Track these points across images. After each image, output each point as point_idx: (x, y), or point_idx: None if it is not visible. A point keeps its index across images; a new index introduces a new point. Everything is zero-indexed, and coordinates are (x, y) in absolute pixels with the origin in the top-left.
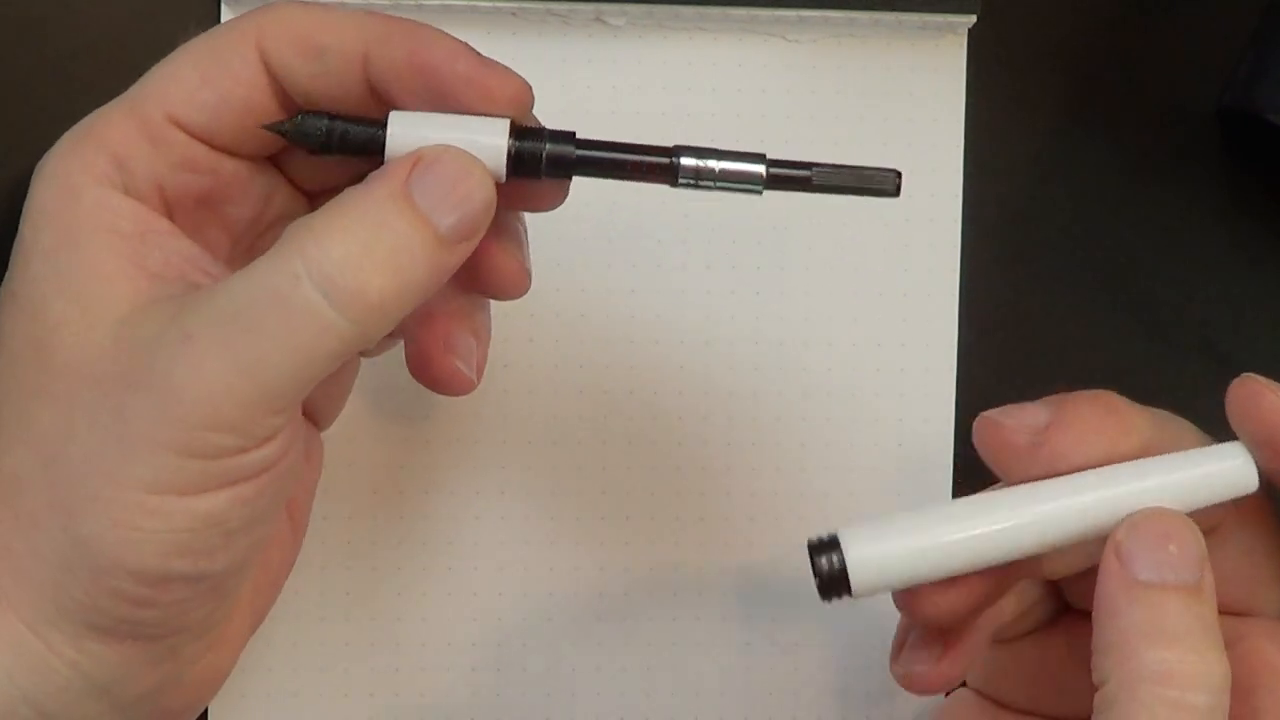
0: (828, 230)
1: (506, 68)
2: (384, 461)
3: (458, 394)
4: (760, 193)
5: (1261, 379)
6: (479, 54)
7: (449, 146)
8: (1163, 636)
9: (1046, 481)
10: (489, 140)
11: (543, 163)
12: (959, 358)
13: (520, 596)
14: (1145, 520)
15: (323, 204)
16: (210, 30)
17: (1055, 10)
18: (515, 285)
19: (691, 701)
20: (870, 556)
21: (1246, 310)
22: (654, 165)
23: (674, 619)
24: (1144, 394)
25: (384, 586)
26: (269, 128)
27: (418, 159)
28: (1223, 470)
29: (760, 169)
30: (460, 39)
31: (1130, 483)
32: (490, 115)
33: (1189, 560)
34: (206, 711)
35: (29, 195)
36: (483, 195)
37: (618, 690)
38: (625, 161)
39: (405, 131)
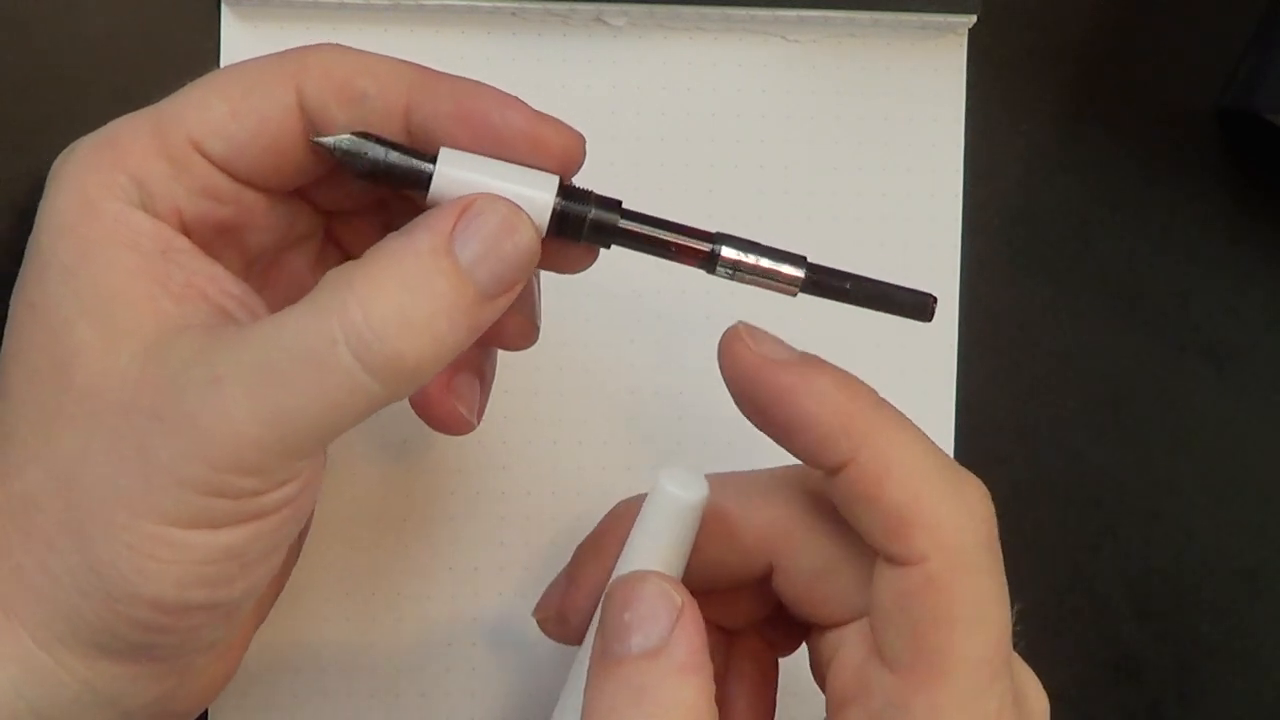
0: (828, 231)
1: (559, 120)
2: (385, 462)
3: (456, 434)
4: (795, 295)
5: (744, 330)
6: (530, 106)
7: (497, 197)
8: (629, 706)
9: None
10: (537, 194)
11: (585, 227)
12: (959, 358)
13: (521, 597)
14: (606, 604)
15: (340, 224)
16: (248, 62)
17: (1055, 10)
18: (523, 339)
19: None
20: None
21: (1246, 310)
22: (693, 250)
23: None
24: (1144, 394)
25: (384, 587)
26: (318, 142)
27: (465, 208)
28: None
29: (799, 273)
30: (510, 92)
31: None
32: (540, 168)
33: (652, 623)
34: (206, 712)
35: (44, 199)
36: (527, 252)
37: None
38: (666, 241)
39: (453, 172)
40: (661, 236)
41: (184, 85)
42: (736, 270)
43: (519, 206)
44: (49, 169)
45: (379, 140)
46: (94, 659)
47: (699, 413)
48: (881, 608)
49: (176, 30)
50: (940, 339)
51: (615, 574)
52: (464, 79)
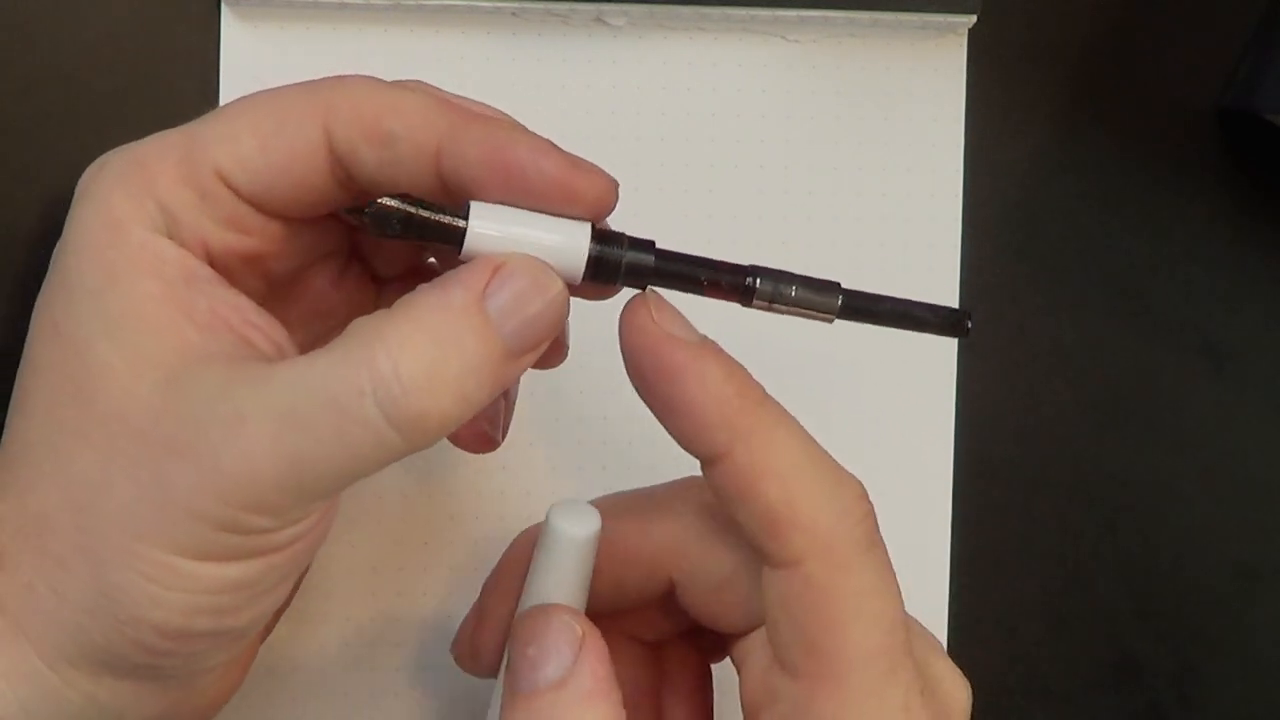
0: (828, 230)
1: (593, 165)
2: None
3: (480, 453)
4: (831, 321)
5: (651, 300)
6: (563, 151)
7: (529, 258)
8: None
9: None
10: (571, 244)
11: (621, 271)
12: (959, 357)
13: None
14: (511, 640)
15: (364, 239)
16: (277, 92)
17: (1055, 10)
18: (553, 359)
19: None
20: None
21: (1246, 310)
22: (729, 285)
23: None
24: (1144, 393)
25: (384, 587)
26: (347, 212)
27: (498, 268)
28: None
29: (835, 300)
30: (542, 136)
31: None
32: (572, 216)
33: (542, 659)
34: None
35: (71, 216)
36: (556, 311)
37: None
38: (701, 278)
39: (486, 227)
40: (696, 274)
41: (184, 85)
42: (773, 303)
43: (550, 266)
44: (49, 168)
45: (407, 200)
46: (99, 677)
47: None
48: (771, 614)
49: (176, 30)
50: (940, 339)
51: (519, 610)
52: (497, 121)
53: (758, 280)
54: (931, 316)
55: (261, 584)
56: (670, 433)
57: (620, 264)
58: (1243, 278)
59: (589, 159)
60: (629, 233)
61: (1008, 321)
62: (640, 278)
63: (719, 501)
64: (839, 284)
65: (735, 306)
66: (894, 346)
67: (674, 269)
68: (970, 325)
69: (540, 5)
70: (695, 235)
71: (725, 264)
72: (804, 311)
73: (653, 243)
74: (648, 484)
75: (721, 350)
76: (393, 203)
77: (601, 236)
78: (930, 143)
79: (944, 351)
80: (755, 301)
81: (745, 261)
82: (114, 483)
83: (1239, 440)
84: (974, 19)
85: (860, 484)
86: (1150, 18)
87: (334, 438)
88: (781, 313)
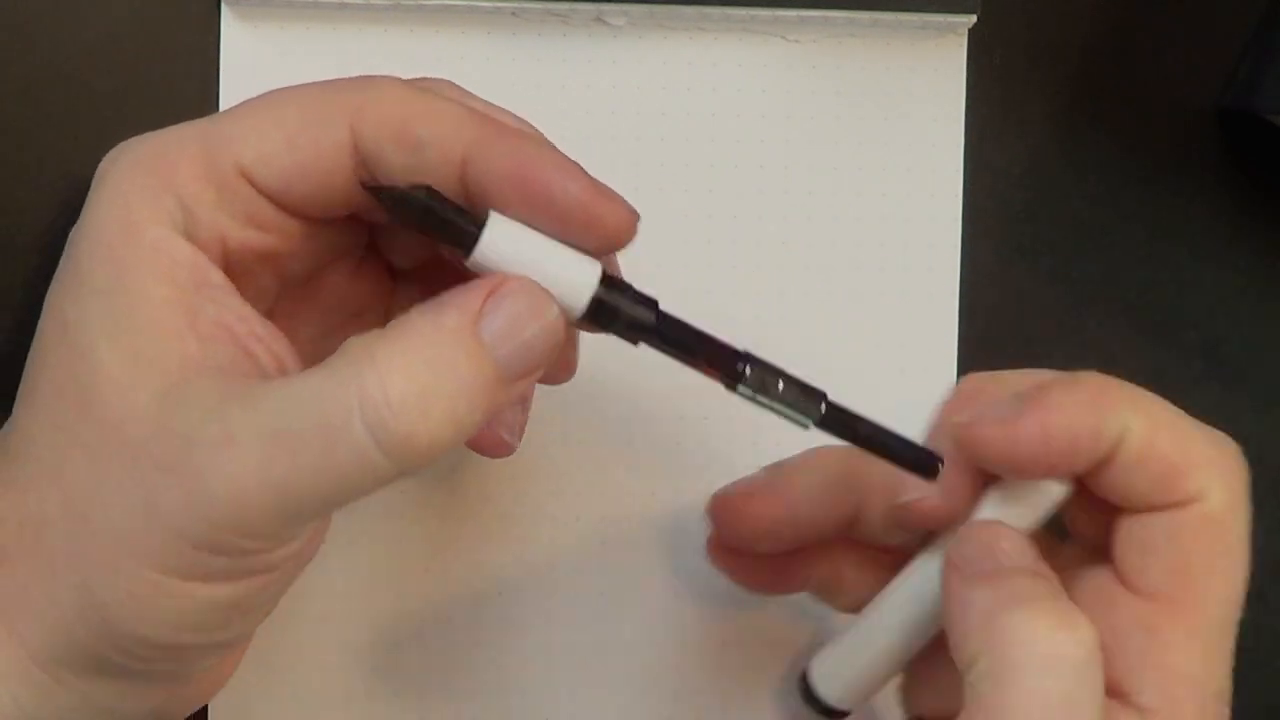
0: (828, 231)
1: (617, 195)
2: None
3: (495, 456)
4: (807, 428)
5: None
6: (589, 176)
7: (528, 281)
8: (1022, 602)
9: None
10: (577, 280)
11: (619, 321)
12: (959, 358)
13: (522, 595)
14: (970, 531)
15: (383, 234)
16: (301, 89)
17: (1055, 10)
18: (561, 375)
19: (695, 704)
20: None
21: (1246, 310)
22: (720, 365)
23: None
24: None
25: (384, 587)
26: (368, 187)
27: (494, 289)
28: (1037, 491)
29: (817, 408)
30: (569, 157)
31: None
32: (590, 244)
33: (1023, 553)
34: (206, 711)
35: (88, 206)
36: (551, 339)
37: (618, 689)
38: (694, 350)
39: (499, 242)
40: (690, 346)
41: (184, 85)
42: (757, 394)
43: (548, 292)
44: (49, 168)
45: (430, 193)
46: (90, 677)
47: (699, 412)
48: (1142, 543)
49: (176, 30)
50: (940, 339)
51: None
52: (527, 137)
53: (748, 367)
54: (905, 451)
55: (250, 602)
56: (1057, 473)
57: (619, 313)
58: (1243, 278)
59: (589, 159)
60: (636, 259)
61: (1008, 321)
62: (636, 332)
63: (1102, 488)
64: (825, 394)
65: (732, 304)
66: (892, 347)
67: (670, 334)
68: (940, 470)
69: (540, 5)
70: (695, 235)
71: (720, 344)
72: (783, 410)
73: (656, 302)
74: (646, 484)
75: (1050, 383)
76: (416, 191)
77: (609, 282)
78: (930, 143)
79: (944, 352)
80: (740, 388)
81: (738, 265)
82: (105, 495)
83: (1239, 440)
84: (974, 19)
85: (1233, 441)
86: (1150, 18)
87: (321, 460)
88: (762, 405)
